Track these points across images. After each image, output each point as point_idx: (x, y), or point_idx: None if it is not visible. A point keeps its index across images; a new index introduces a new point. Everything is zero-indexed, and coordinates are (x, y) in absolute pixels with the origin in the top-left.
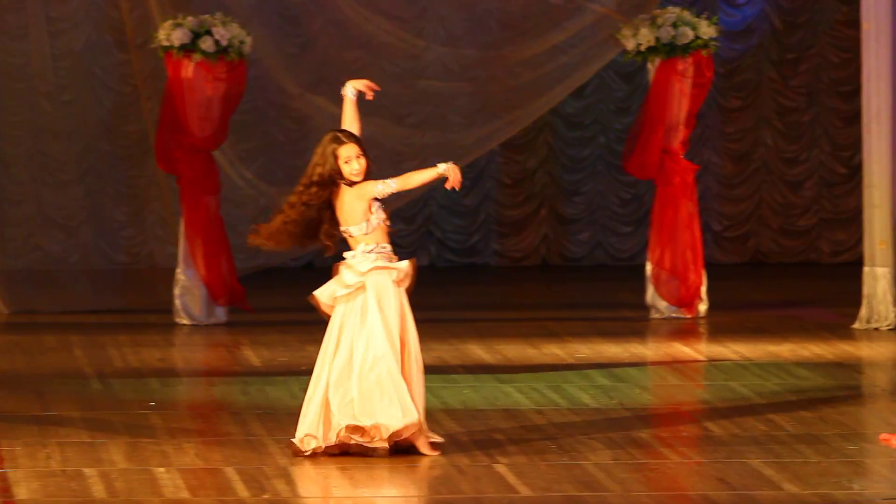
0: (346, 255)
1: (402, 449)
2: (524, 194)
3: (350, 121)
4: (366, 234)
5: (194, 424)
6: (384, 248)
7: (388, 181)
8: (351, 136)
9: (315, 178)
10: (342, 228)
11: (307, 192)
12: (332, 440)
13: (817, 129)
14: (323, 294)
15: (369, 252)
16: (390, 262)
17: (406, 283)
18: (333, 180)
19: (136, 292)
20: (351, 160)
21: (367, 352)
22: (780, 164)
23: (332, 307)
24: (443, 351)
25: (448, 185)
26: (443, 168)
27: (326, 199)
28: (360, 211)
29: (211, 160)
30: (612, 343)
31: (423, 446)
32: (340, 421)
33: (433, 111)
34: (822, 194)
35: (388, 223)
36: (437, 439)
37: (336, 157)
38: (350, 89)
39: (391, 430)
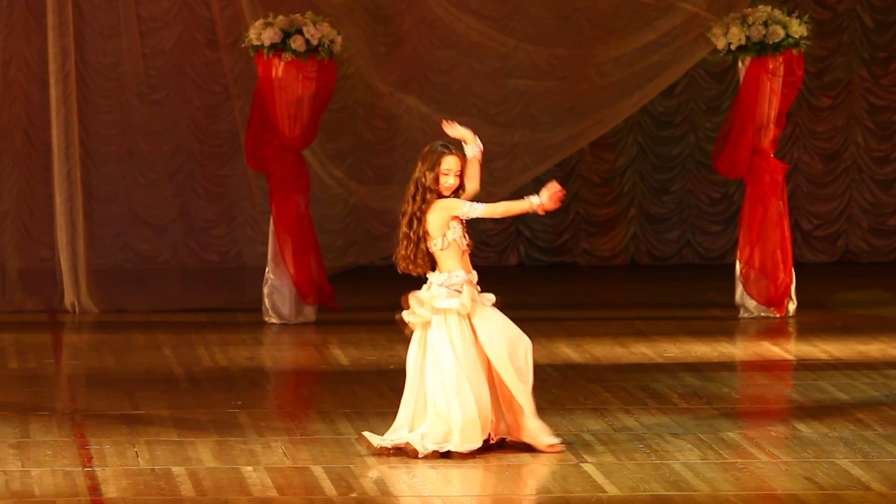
0: (429, 275)
1: (492, 446)
2: (613, 193)
3: (472, 176)
4: (442, 249)
5: (282, 423)
6: (456, 277)
7: (475, 205)
8: (459, 150)
9: (415, 184)
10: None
11: (412, 203)
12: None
13: None
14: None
15: (440, 286)
16: (457, 293)
17: (470, 310)
18: (429, 189)
19: (225, 291)
20: (450, 173)
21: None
22: (871, 163)
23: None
24: (532, 350)
25: (541, 211)
26: (536, 204)
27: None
28: (438, 224)
29: (300, 159)
30: (700, 342)
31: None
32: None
33: (523, 110)
34: None
35: (466, 241)
36: (552, 440)
37: (438, 164)
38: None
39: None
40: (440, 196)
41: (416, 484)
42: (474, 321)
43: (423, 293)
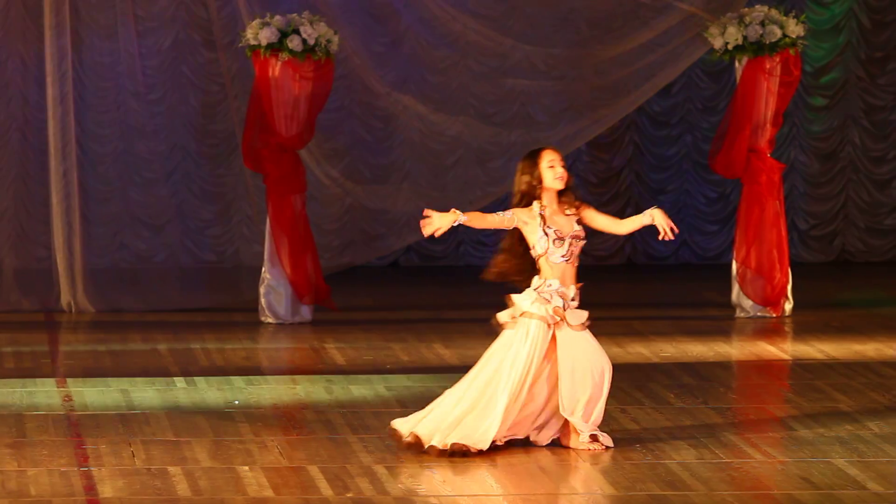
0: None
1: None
2: (610, 193)
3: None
4: (540, 255)
5: (278, 423)
6: (550, 285)
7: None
8: (543, 144)
9: (517, 191)
10: None
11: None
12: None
13: None
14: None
15: (535, 289)
16: (548, 301)
17: (556, 325)
18: (534, 191)
19: (221, 291)
20: (555, 164)
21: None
22: (867, 163)
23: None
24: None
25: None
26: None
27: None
28: (531, 231)
29: (297, 159)
30: (697, 342)
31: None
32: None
33: (520, 110)
34: None
35: (563, 253)
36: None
37: (537, 163)
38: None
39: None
40: (538, 198)
41: (412, 484)
42: (558, 333)
43: (517, 296)
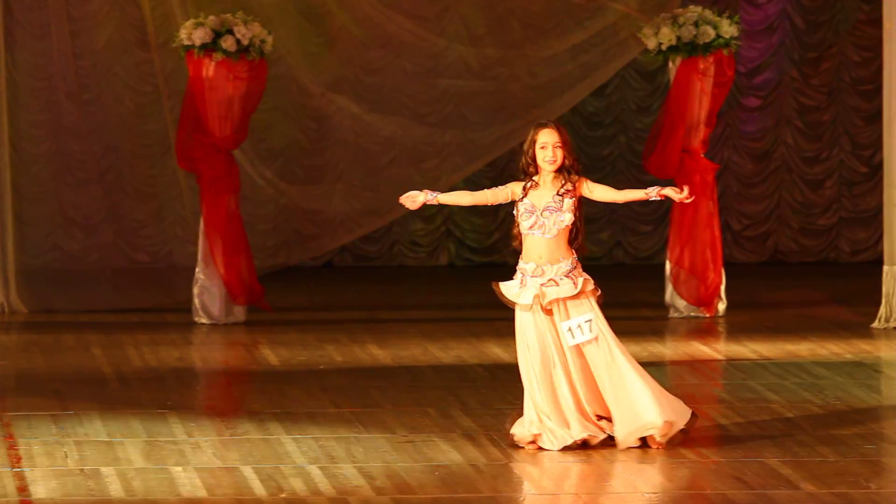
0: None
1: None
2: None
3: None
4: (519, 231)
5: (212, 423)
6: (524, 270)
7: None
8: (554, 124)
9: (520, 166)
10: None
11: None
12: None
13: (838, 128)
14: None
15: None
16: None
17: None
18: (528, 168)
19: (155, 291)
20: (547, 147)
21: None
22: (801, 163)
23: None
24: (461, 350)
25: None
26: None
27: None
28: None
29: (231, 159)
30: (630, 342)
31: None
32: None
33: (454, 110)
34: (843, 193)
35: (537, 229)
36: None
37: (533, 142)
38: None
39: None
40: (533, 175)
41: (352, 485)
42: (584, 350)
43: (504, 284)
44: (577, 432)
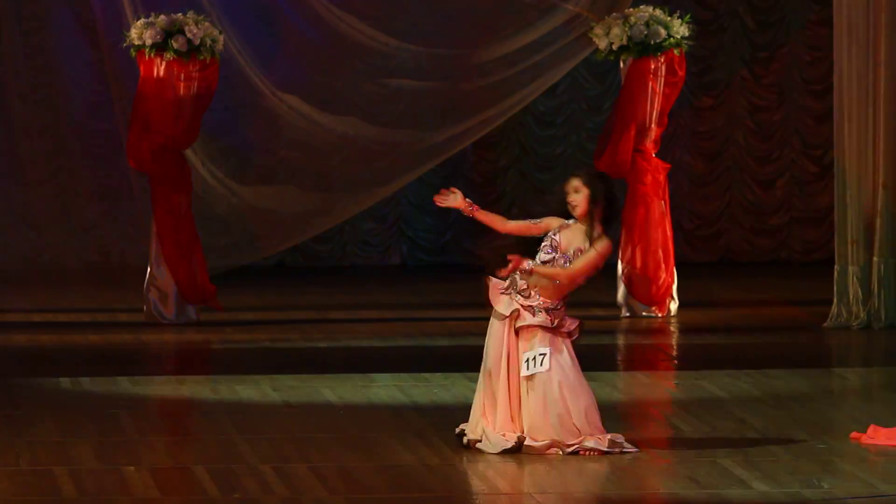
0: None
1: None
2: (496, 193)
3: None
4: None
5: (164, 423)
6: (516, 278)
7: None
8: (582, 169)
9: None
10: None
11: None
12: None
13: (789, 127)
14: None
15: (510, 282)
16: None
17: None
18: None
19: (106, 291)
20: (569, 193)
21: None
22: (752, 163)
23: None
24: (414, 350)
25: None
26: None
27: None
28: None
29: (182, 159)
30: (583, 342)
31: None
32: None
33: (405, 110)
34: (794, 193)
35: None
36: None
37: (564, 186)
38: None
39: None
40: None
41: (303, 486)
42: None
43: (495, 283)
44: (512, 440)
